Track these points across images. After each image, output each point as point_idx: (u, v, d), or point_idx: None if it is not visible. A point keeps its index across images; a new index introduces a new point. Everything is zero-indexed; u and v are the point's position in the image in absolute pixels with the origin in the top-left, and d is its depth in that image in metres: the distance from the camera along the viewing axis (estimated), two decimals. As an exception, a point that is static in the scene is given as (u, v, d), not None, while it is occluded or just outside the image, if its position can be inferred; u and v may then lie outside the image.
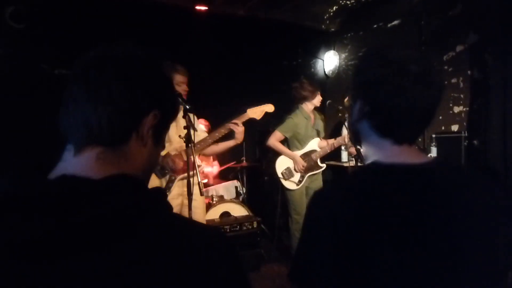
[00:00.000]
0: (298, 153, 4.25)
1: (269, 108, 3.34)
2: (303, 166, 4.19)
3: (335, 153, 4.79)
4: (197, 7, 4.96)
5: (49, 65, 4.46)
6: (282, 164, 4.27)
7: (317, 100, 4.31)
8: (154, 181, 2.86)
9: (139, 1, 4.93)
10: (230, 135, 3.09)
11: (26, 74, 4.30)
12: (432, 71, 0.96)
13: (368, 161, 1.02)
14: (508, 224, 0.94)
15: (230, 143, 3.12)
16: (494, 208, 0.94)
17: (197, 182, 2.60)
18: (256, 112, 3.21)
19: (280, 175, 4.22)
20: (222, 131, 3.04)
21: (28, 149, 4.09)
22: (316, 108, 4.40)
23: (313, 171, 4.27)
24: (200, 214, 3.02)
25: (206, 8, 4.99)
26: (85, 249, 0.62)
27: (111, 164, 0.75)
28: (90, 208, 0.63)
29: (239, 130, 3.00)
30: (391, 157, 0.97)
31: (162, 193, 0.76)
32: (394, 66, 0.94)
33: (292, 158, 4.20)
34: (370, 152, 1.02)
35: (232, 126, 3.00)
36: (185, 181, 2.77)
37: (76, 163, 0.74)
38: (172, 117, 0.87)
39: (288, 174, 4.22)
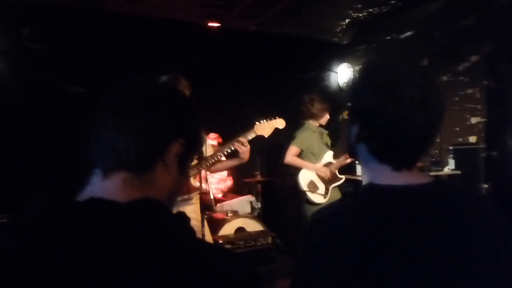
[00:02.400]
0: (318, 165, 4.24)
1: (280, 123, 3.09)
2: (330, 173, 4.17)
3: (349, 166, 4.75)
4: (210, 24, 5.02)
5: (66, 84, 4.55)
6: (305, 178, 4.22)
7: (324, 120, 4.32)
8: None
9: (153, 19, 5.02)
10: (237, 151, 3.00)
11: (44, 93, 4.40)
12: (431, 93, 0.93)
13: (365, 182, 1.00)
14: (506, 244, 0.92)
15: (234, 162, 2.99)
16: (491, 228, 0.92)
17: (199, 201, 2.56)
18: (265, 128, 2.99)
19: (305, 188, 4.16)
20: (227, 150, 2.90)
21: (47, 168, 4.17)
22: (321, 126, 4.41)
23: (334, 183, 4.25)
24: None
25: (219, 24, 5.05)
26: (111, 268, 0.64)
27: (137, 189, 0.78)
28: (116, 229, 0.66)
29: (244, 150, 2.83)
30: (389, 179, 0.95)
31: (184, 217, 0.78)
32: (391, 91, 0.91)
33: (315, 170, 4.20)
34: (368, 174, 1.00)
35: (236, 146, 2.84)
36: (179, 203, 2.76)
37: (104, 186, 0.78)
38: (197, 146, 0.91)
39: (313, 187, 4.18)
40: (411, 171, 0.97)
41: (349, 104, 1.01)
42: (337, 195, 4.29)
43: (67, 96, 4.51)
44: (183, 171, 0.87)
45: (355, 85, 1.01)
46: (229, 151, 2.91)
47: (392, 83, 0.94)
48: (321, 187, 4.20)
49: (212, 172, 3.44)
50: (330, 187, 4.23)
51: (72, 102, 4.45)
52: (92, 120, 0.82)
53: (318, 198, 4.17)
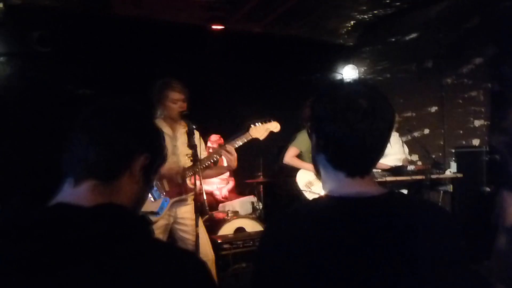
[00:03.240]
0: None
1: (275, 126, 3.08)
2: None
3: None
4: (214, 26, 5.09)
5: (72, 86, 4.67)
6: (302, 178, 4.30)
7: None
8: (148, 203, 2.84)
9: (158, 22, 5.11)
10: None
11: (51, 95, 4.52)
12: (381, 106, 0.98)
13: (325, 191, 1.06)
14: (455, 254, 0.95)
15: (223, 169, 3.11)
16: (441, 238, 0.95)
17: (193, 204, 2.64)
18: (260, 131, 3.00)
19: (302, 188, 4.24)
20: (216, 157, 2.96)
21: (53, 169, 4.28)
22: None
23: None
24: (189, 240, 2.92)
25: (223, 27, 5.11)
26: (68, 267, 0.72)
27: (104, 195, 0.87)
28: (77, 230, 0.74)
29: (230, 158, 2.90)
30: (344, 188, 1.00)
31: (145, 220, 0.87)
32: (343, 101, 0.98)
33: (312, 170, 4.25)
34: (327, 183, 1.05)
35: (224, 154, 2.91)
36: (175, 203, 2.88)
37: (73, 193, 0.87)
38: (161, 161, 1.01)
39: (310, 186, 4.26)
40: (364, 178, 1.01)
41: (311, 117, 1.07)
42: None
43: (74, 98, 4.62)
44: (148, 181, 0.98)
45: (314, 99, 1.06)
46: (218, 158, 2.97)
47: (345, 95, 1.00)
48: (319, 187, 4.24)
49: (203, 178, 3.49)
50: None
51: (79, 104, 4.55)
52: (66, 136, 0.92)
53: (314, 197, 4.19)
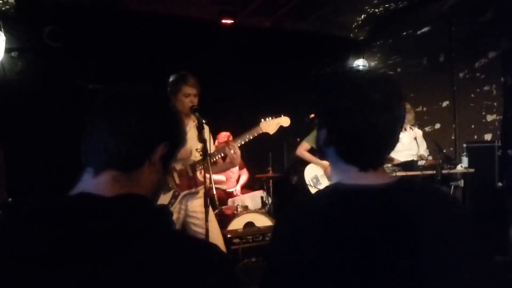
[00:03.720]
0: (326, 162, 4.30)
1: (285, 121, 3.09)
2: None
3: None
4: (223, 21, 5.07)
5: (83, 81, 4.69)
6: (310, 172, 4.43)
7: None
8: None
9: (168, 17, 5.11)
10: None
11: (63, 90, 4.54)
12: (393, 98, 0.97)
13: (334, 181, 1.05)
14: (465, 241, 0.94)
15: (226, 166, 3.12)
16: (452, 226, 0.94)
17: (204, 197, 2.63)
18: (271, 125, 3.01)
19: (308, 182, 4.38)
20: (221, 153, 2.97)
21: (65, 162, 4.32)
22: None
23: None
24: (201, 234, 2.90)
25: (232, 21, 5.09)
26: (90, 256, 0.71)
27: (125, 186, 0.85)
28: (100, 220, 0.74)
29: (233, 156, 2.90)
30: (354, 178, 1.00)
31: (167, 210, 0.86)
32: (356, 96, 0.96)
33: (322, 166, 4.29)
34: (337, 175, 1.04)
35: (227, 151, 2.91)
36: (186, 196, 2.87)
37: (94, 183, 0.85)
38: (180, 148, 0.98)
39: (316, 182, 4.35)
40: (377, 171, 1.01)
41: (316, 108, 1.05)
42: None
43: (84, 93, 4.64)
44: (166, 170, 0.95)
45: (322, 90, 1.04)
46: (222, 155, 2.98)
47: (357, 88, 0.98)
48: (324, 183, 4.32)
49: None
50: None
51: (90, 99, 4.58)
52: (85, 122, 0.90)
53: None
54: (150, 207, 0.84)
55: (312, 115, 4.35)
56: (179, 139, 0.97)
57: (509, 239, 2.87)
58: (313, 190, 4.31)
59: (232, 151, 2.89)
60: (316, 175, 4.35)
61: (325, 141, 1.04)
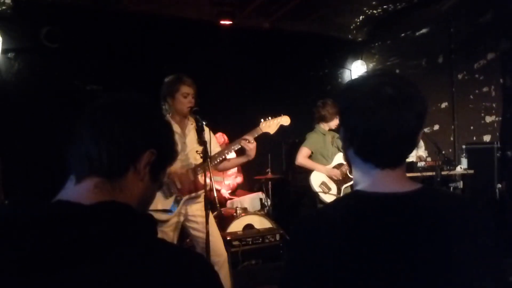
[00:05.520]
0: (328, 167, 4.29)
1: (285, 120, 3.08)
2: (341, 174, 4.22)
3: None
4: (222, 22, 5.05)
5: (81, 82, 4.65)
6: (316, 179, 4.29)
7: (334, 123, 4.33)
8: (160, 200, 2.84)
9: (166, 18, 5.09)
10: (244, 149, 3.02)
11: (60, 90, 4.51)
12: (409, 94, 0.95)
13: (355, 185, 1.03)
14: (492, 248, 0.93)
15: (241, 160, 3.04)
16: (478, 234, 0.93)
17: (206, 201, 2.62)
18: (271, 125, 3.01)
19: (319, 189, 4.24)
20: (233, 148, 2.95)
21: (62, 164, 4.28)
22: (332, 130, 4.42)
23: (346, 183, 4.28)
24: (201, 239, 2.88)
25: (231, 22, 5.07)
26: (64, 265, 0.69)
27: (107, 193, 0.83)
28: (74, 228, 0.71)
29: (250, 147, 2.87)
30: (374, 185, 0.96)
31: (150, 219, 0.83)
32: (366, 89, 0.95)
33: (325, 172, 4.24)
34: (358, 179, 1.02)
35: (243, 143, 2.88)
36: (187, 201, 2.87)
37: (75, 190, 0.83)
38: (170, 158, 0.96)
39: (326, 187, 4.25)
40: (395, 171, 0.98)
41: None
42: None
43: (82, 94, 4.61)
44: (156, 179, 0.92)
45: (341, 91, 1.04)
46: (236, 149, 2.95)
47: (368, 84, 0.98)
48: (333, 187, 4.25)
49: (220, 170, 3.48)
50: (343, 187, 4.27)
51: (87, 100, 4.55)
52: (71, 131, 0.88)
53: (331, 198, 4.20)
54: (132, 215, 0.80)
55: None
56: (168, 148, 0.94)
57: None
58: (325, 197, 4.21)
59: (248, 143, 2.87)
60: (324, 181, 4.27)
61: (344, 141, 1.03)
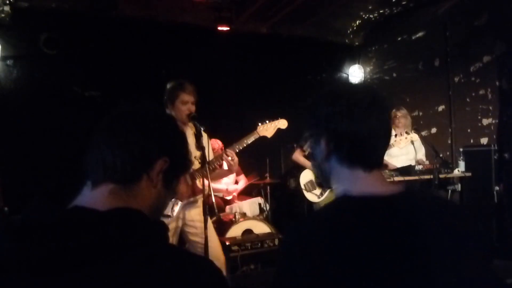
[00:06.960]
0: None
1: (282, 124, 3.10)
2: None
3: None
4: (220, 27, 5.07)
5: (79, 88, 4.68)
6: (305, 177, 4.51)
7: None
8: None
9: (164, 24, 5.11)
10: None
11: (59, 97, 4.53)
12: (379, 98, 1.02)
13: (339, 191, 1.04)
14: (475, 248, 0.96)
15: (225, 172, 3.18)
16: (460, 234, 0.96)
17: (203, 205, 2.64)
18: (268, 129, 3.03)
19: (303, 187, 4.47)
20: (219, 161, 2.97)
21: (61, 169, 4.30)
22: None
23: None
24: (199, 244, 2.89)
25: (228, 27, 5.09)
26: (79, 270, 0.71)
27: (121, 199, 0.86)
28: (89, 233, 0.74)
29: (231, 163, 2.91)
30: (361, 186, 0.99)
31: (162, 225, 0.87)
32: (345, 98, 1.00)
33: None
34: (342, 184, 1.03)
35: (225, 159, 2.91)
36: (185, 206, 2.88)
37: (90, 196, 0.87)
38: (183, 167, 1.00)
39: (310, 186, 4.46)
40: (379, 173, 1.03)
41: (309, 122, 1.06)
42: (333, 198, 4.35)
43: (81, 100, 4.64)
44: (169, 187, 0.95)
45: (312, 104, 1.06)
46: (220, 162, 2.98)
47: (345, 93, 1.04)
48: (318, 188, 4.46)
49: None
50: (328, 190, 4.40)
51: (86, 106, 4.58)
52: (89, 140, 0.93)
53: (312, 197, 4.47)
54: (144, 222, 0.83)
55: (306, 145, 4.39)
56: (181, 157, 0.97)
57: None
58: (308, 195, 4.44)
59: (229, 158, 2.89)
60: (311, 180, 4.47)
61: (326, 152, 1.03)
